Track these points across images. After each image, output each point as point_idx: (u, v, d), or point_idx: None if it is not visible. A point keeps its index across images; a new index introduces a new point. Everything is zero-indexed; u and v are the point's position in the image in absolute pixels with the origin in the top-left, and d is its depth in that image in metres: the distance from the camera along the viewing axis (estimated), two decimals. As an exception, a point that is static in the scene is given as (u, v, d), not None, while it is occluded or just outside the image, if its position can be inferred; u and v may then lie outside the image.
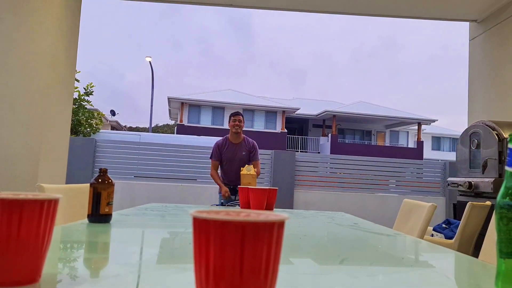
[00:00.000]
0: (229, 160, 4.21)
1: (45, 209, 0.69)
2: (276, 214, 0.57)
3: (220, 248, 0.51)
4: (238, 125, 4.19)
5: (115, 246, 1.24)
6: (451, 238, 3.51)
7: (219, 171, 4.33)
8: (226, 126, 24.44)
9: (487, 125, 4.28)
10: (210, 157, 4.31)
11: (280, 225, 0.54)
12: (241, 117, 4.28)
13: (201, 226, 0.53)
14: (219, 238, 0.51)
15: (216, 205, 3.58)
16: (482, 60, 5.77)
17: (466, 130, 4.70)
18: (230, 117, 4.27)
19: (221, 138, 4.38)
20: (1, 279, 0.67)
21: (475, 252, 3.30)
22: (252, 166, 3.54)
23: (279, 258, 0.55)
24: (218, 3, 5.72)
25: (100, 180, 1.57)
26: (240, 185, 3.80)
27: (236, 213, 0.57)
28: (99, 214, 1.55)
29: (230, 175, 4.21)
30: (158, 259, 1.03)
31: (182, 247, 1.24)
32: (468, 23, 6.13)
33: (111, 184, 1.59)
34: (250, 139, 4.36)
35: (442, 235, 3.68)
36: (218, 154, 4.25)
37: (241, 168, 3.57)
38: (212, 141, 11.11)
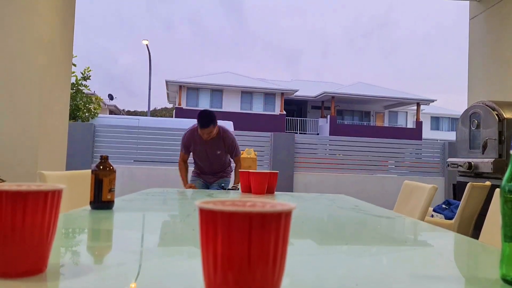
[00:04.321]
0: (202, 157, 3.57)
1: (49, 200, 0.69)
2: (283, 203, 0.57)
3: (228, 238, 0.51)
4: (208, 137, 3.34)
5: (118, 233, 1.24)
6: (451, 218, 3.53)
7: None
8: (224, 109, 24.44)
9: (487, 105, 4.26)
10: (180, 150, 3.65)
11: (287, 214, 0.54)
12: (210, 128, 3.27)
13: (208, 217, 0.53)
14: (227, 229, 0.51)
15: (217, 188, 3.58)
16: (482, 39, 5.72)
17: (466, 111, 4.69)
18: (197, 125, 3.34)
19: (191, 128, 3.52)
20: (8, 270, 0.67)
21: (475, 233, 3.33)
22: (252, 149, 3.53)
23: (286, 247, 0.55)
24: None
25: (101, 167, 1.56)
26: (217, 184, 3.61)
27: (242, 203, 0.57)
28: (101, 201, 1.56)
29: (205, 172, 3.70)
30: (162, 246, 1.04)
31: (186, 233, 1.24)
32: (468, 1, 6.06)
33: (113, 171, 1.59)
34: (227, 133, 3.50)
35: (442, 216, 3.70)
36: (186, 147, 3.57)
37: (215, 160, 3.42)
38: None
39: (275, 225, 0.53)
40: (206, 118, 3.28)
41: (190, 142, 3.50)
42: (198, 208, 0.54)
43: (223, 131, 3.46)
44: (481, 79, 5.66)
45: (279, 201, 0.62)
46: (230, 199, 0.58)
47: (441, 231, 1.49)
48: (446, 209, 3.80)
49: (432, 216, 3.80)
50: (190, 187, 3.55)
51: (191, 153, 3.60)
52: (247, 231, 0.51)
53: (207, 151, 3.49)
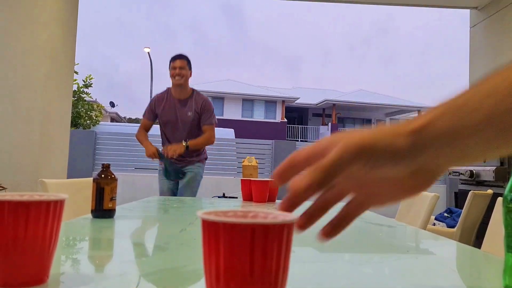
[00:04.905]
0: (171, 122, 3.22)
1: (51, 210, 0.69)
2: (285, 213, 0.57)
3: (230, 250, 0.51)
4: (180, 74, 3.05)
5: (119, 242, 1.24)
6: (453, 227, 3.52)
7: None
8: (225, 116, 24.48)
9: (488, 113, 4.27)
10: (143, 115, 3.31)
11: (290, 225, 0.54)
12: (184, 61, 3.11)
13: (210, 227, 0.53)
14: (229, 240, 0.51)
15: (218, 197, 3.56)
16: (483, 47, 5.73)
17: (467, 119, 4.69)
18: (170, 62, 3.16)
19: (163, 90, 3.29)
20: (9, 281, 0.67)
21: (477, 241, 3.32)
22: (253, 157, 3.50)
23: (289, 258, 0.55)
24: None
25: (103, 176, 1.56)
26: (189, 158, 3.18)
27: (245, 214, 0.57)
28: (102, 210, 1.55)
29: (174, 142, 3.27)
30: (163, 256, 1.03)
31: (187, 242, 1.24)
32: (468, 10, 6.08)
33: (114, 179, 1.59)
34: (202, 95, 3.27)
35: (444, 224, 3.69)
36: (152, 111, 3.23)
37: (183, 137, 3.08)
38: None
39: (278, 237, 0.53)
40: (181, 54, 3.20)
41: (159, 101, 3.20)
42: (200, 218, 0.54)
43: (197, 93, 3.25)
44: (482, 87, 5.66)
45: (281, 211, 0.62)
46: (232, 209, 0.58)
47: (443, 240, 1.49)
48: (448, 217, 3.79)
49: (434, 224, 3.78)
50: (153, 153, 3.12)
51: (159, 123, 3.29)
52: (249, 243, 0.51)
53: (177, 111, 3.15)
